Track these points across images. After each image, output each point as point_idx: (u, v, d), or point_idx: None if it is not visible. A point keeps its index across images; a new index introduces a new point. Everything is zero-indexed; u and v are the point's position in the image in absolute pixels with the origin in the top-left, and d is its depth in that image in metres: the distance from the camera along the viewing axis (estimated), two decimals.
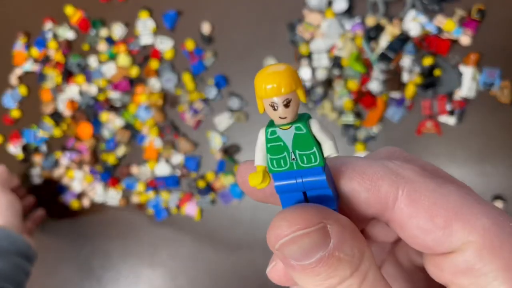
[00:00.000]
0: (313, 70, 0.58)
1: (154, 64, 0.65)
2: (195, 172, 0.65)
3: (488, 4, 0.52)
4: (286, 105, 0.17)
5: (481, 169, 0.53)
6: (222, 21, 0.63)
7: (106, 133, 0.68)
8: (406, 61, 0.54)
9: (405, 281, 0.25)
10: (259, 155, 0.18)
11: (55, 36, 0.70)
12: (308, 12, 0.58)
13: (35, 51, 0.71)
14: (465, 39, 0.52)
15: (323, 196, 0.18)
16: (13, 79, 0.72)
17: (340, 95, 0.57)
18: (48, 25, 0.70)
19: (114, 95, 0.67)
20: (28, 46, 0.72)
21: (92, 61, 0.68)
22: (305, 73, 0.58)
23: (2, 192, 0.62)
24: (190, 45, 0.63)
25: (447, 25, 0.52)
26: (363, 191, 0.19)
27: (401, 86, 0.55)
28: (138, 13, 0.66)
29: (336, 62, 0.57)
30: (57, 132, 0.71)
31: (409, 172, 0.19)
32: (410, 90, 0.54)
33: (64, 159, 0.70)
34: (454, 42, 0.53)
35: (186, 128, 0.65)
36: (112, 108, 0.68)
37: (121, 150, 0.68)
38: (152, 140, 0.66)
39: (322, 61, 0.57)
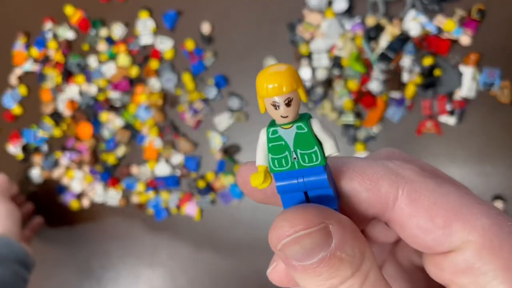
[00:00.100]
0: (313, 70, 0.58)
1: (154, 64, 0.65)
2: (195, 172, 0.65)
3: (488, 4, 0.52)
4: (288, 104, 0.17)
5: (481, 169, 0.53)
6: (222, 21, 0.63)
7: (106, 133, 0.68)
8: (406, 61, 0.54)
9: (405, 281, 0.25)
10: (261, 155, 0.18)
11: (55, 36, 0.70)
12: (308, 12, 0.58)
13: (35, 51, 0.71)
14: (465, 39, 0.52)
15: (324, 196, 0.18)
16: (13, 79, 0.73)
17: (340, 95, 0.57)
18: (48, 25, 0.70)
19: (114, 95, 0.67)
20: (28, 46, 0.72)
21: (92, 61, 0.68)
22: (305, 73, 0.58)
23: (2, 201, 0.63)
24: (190, 45, 0.63)
25: (447, 25, 0.52)
26: (363, 191, 0.19)
27: (401, 86, 0.55)
28: (138, 13, 0.66)
29: (336, 62, 0.57)
30: (57, 132, 0.71)
31: (409, 172, 0.19)
32: (410, 90, 0.54)
33: (64, 159, 0.70)
34: (454, 42, 0.53)
35: (186, 128, 0.65)
36: (112, 108, 0.68)
37: (121, 150, 0.68)
38: (152, 140, 0.66)
39: (322, 61, 0.57)
